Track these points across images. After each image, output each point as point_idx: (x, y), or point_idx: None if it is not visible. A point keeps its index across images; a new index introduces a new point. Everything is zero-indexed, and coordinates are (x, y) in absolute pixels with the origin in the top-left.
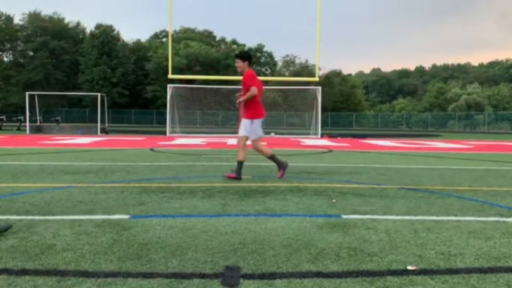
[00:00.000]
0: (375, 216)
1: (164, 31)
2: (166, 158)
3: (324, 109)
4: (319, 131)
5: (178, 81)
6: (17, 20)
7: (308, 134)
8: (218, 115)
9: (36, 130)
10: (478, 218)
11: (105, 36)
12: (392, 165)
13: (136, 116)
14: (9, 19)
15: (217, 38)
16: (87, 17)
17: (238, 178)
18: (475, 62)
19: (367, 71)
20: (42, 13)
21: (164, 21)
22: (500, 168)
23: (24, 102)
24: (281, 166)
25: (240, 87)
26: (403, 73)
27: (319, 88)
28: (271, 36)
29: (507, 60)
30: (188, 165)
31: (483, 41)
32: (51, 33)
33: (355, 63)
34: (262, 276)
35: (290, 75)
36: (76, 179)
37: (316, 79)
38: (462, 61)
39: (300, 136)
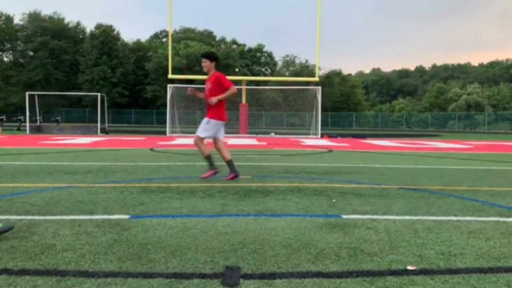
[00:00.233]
0: (375, 216)
1: (164, 31)
2: (166, 158)
3: (324, 109)
4: (319, 131)
5: (178, 81)
6: (17, 20)
7: (308, 134)
8: None
9: (36, 130)
10: (478, 218)
11: (105, 36)
12: (392, 165)
13: (136, 116)
14: (9, 19)
15: (217, 38)
16: (87, 17)
17: (236, 176)
18: (475, 62)
19: (367, 71)
20: (42, 13)
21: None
22: (500, 168)
23: (24, 102)
24: (213, 168)
25: (238, 87)
26: (403, 73)
27: (319, 88)
28: (271, 36)
29: (507, 60)
30: (188, 165)
31: (483, 41)
32: (51, 33)
33: (355, 63)
34: (262, 276)
35: (290, 75)
36: (76, 179)
37: (316, 79)
38: (462, 61)
39: (300, 136)
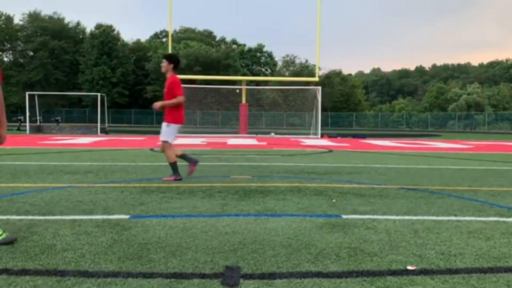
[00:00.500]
0: (375, 216)
1: (164, 31)
2: (166, 158)
3: (324, 109)
4: (319, 131)
5: None
6: (17, 20)
7: (308, 134)
8: (218, 115)
9: (36, 130)
10: (478, 218)
11: (105, 36)
12: (392, 165)
13: (136, 116)
14: (9, 19)
15: (217, 38)
16: (87, 17)
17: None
18: (475, 62)
19: (367, 71)
20: (42, 13)
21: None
22: (500, 168)
23: (24, 102)
24: (176, 174)
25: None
26: (403, 73)
27: (319, 88)
28: (271, 36)
29: (507, 60)
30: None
31: (483, 41)
32: (51, 33)
33: (355, 63)
34: (262, 276)
35: (290, 75)
36: (76, 179)
37: (316, 79)
38: (462, 61)
39: (300, 136)
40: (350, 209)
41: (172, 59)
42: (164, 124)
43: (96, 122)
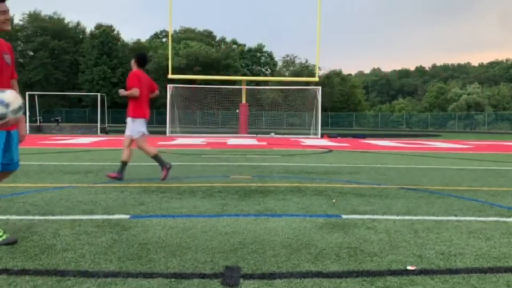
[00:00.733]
0: (375, 216)
1: (164, 31)
2: (166, 158)
3: (324, 109)
4: (319, 131)
5: (178, 81)
6: (17, 20)
7: (308, 134)
8: (218, 115)
9: (36, 130)
10: (478, 218)
11: (105, 36)
12: (392, 165)
13: None
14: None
15: (217, 38)
16: (87, 17)
17: (119, 178)
18: (475, 62)
19: (367, 71)
20: (42, 13)
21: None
22: (500, 168)
23: (24, 102)
24: (164, 166)
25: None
26: (403, 73)
27: (319, 88)
28: (271, 36)
29: (507, 60)
30: (188, 165)
31: (483, 41)
32: (51, 33)
33: (355, 63)
34: (262, 276)
35: (290, 75)
36: (76, 179)
37: (316, 79)
38: (462, 61)
39: (300, 136)
40: (350, 209)
41: (136, 56)
42: (129, 120)
43: (96, 122)
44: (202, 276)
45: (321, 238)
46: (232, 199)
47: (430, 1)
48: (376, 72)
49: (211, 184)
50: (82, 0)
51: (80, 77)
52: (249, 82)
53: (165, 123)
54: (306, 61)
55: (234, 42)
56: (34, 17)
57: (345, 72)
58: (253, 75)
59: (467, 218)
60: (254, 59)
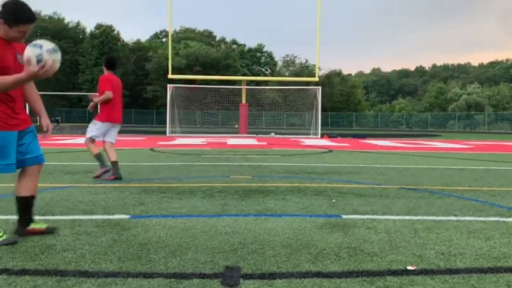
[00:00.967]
0: (375, 216)
1: (164, 31)
2: (166, 158)
3: (324, 109)
4: (319, 131)
5: (178, 81)
6: None
7: (308, 134)
8: (218, 115)
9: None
10: (478, 218)
11: (105, 36)
12: (392, 165)
13: (136, 116)
14: None
15: (217, 38)
16: (87, 17)
17: (118, 178)
18: (475, 62)
19: (367, 71)
20: (42, 13)
21: (164, 21)
22: (500, 168)
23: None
24: (103, 167)
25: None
26: (403, 73)
27: (319, 88)
28: (271, 36)
29: (507, 60)
30: (188, 165)
31: (483, 41)
32: (51, 33)
33: (355, 63)
34: (262, 276)
35: (290, 75)
36: (76, 179)
37: (316, 79)
38: (462, 61)
39: (300, 136)
40: (350, 209)
41: (105, 60)
42: (93, 122)
43: None
44: (202, 276)
45: (321, 238)
46: (232, 199)
47: (430, 1)
48: (376, 72)
49: (211, 184)
50: (82, 0)
51: (80, 77)
52: (249, 82)
53: (165, 123)
54: (306, 61)
55: (234, 42)
56: None
57: (345, 72)
58: (253, 75)
59: (467, 218)
60: (254, 59)
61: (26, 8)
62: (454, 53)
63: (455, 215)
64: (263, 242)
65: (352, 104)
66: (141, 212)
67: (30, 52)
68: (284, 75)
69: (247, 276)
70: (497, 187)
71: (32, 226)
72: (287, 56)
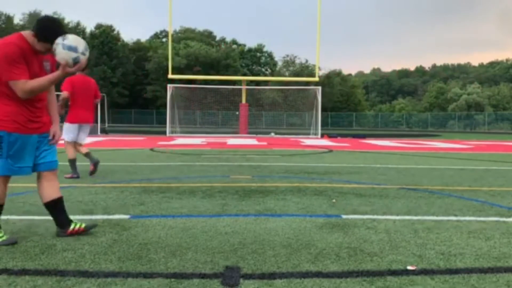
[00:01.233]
0: (375, 216)
1: (164, 31)
2: (166, 158)
3: (324, 109)
4: (319, 131)
5: (178, 81)
6: (17, 20)
7: (308, 134)
8: (218, 115)
9: None
10: (478, 218)
11: (105, 36)
12: (392, 165)
13: (136, 116)
14: (9, 19)
15: (217, 38)
16: (87, 17)
17: (76, 177)
18: (475, 62)
19: (367, 71)
20: (42, 13)
21: (164, 21)
22: (500, 168)
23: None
24: (74, 172)
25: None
26: (403, 73)
27: (319, 88)
28: (271, 36)
29: (507, 60)
30: (188, 165)
31: (483, 41)
32: None
33: (355, 63)
34: (262, 276)
35: (290, 75)
36: (76, 179)
37: (316, 79)
38: (462, 61)
39: (300, 136)
40: (350, 209)
41: None
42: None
43: (96, 122)
44: (202, 276)
45: (321, 238)
46: (232, 199)
47: (430, 1)
48: (376, 72)
49: (211, 184)
50: (82, 0)
51: None
52: (249, 82)
53: (165, 123)
54: (306, 61)
55: (234, 42)
56: (34, 17)
57: (345, 72)
58: (253, 75)
59: (467, 218)
60: (254, 59)
61: (58, 29)
62: (454, 53)
63: (455, 215)
64: (263, 242)
65: (352, 104)
66: (141, 212)
67: (66, 55)
68: (284, 75)
69: (247, 276)
70: (497, 187)
71: (72, 226)
72: (287, 56)
